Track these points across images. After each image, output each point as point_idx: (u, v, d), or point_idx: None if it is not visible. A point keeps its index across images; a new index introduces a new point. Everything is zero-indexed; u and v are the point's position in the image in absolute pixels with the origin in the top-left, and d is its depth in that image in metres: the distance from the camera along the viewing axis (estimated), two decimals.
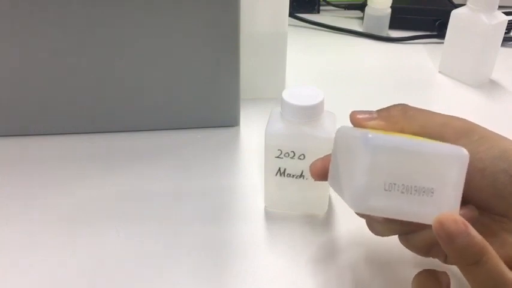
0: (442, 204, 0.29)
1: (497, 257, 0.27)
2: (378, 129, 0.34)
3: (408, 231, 0.33)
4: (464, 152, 0.29)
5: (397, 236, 0.35)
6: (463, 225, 0.27)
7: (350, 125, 0.36)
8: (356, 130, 0.34)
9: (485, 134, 0.32)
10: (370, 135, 0.30)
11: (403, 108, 0.35)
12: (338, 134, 0.35)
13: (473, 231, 0.27)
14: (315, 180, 0.37)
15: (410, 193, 0.29)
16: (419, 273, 0.33)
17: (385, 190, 0.29)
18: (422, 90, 0.67)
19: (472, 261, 0.27)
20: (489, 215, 0.32)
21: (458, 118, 0.34)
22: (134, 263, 0.40)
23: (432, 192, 0.29)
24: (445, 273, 0.33)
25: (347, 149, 0.33)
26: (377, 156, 0.29)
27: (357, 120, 0.35)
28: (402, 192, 0.29)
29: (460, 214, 0.29)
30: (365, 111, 0.36)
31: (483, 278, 0.27)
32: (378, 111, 0.36)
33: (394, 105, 0.35)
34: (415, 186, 0.29)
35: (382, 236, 0.35)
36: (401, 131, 0.34)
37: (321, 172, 0.36)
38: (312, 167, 0.37)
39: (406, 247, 0.34)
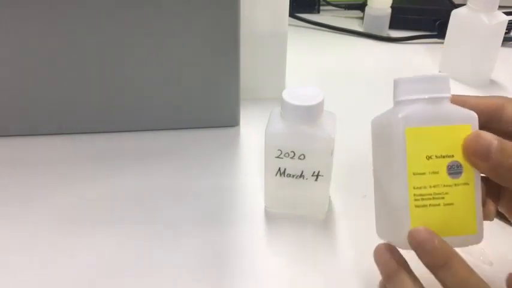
0: None
1: (464, 262, 0.31)
2: None
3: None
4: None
5: None
6: (428, 233, 0.31)
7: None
8: None
9: None
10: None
11: None
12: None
13: (439, 239, 0.31)
14: None
15: None
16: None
17: None
18: None
19: (439, 263, 0.30)
20: None
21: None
22: (134, 263, 0.40)
23: None
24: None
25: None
26: None
27: None
28: None
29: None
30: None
31: (451, 280, 0.30)
32: None
33: None
34: None
35: None
36: None
37: None
38: None
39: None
